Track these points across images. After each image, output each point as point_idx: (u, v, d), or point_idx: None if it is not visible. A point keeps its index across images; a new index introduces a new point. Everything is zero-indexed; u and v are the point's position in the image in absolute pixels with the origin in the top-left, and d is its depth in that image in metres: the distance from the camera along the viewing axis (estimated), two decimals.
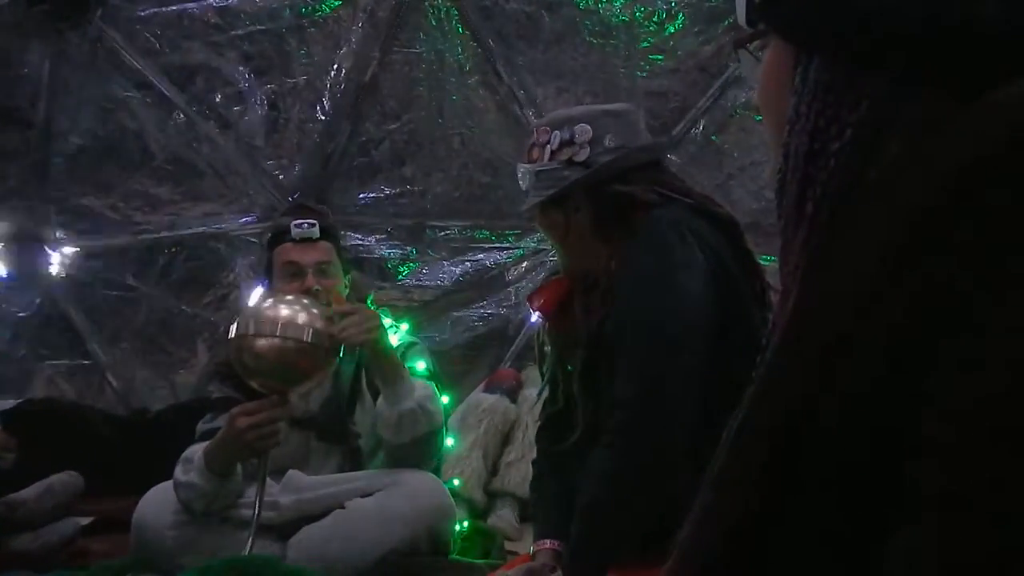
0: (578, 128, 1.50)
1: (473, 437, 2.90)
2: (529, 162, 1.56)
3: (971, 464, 0.48)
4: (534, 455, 2.78)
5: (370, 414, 2.13)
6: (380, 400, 2.02)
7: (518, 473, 2.82)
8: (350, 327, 1.88)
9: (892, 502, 0.51)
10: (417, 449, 2.02)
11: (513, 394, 3.15)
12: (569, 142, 1.50)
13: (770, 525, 0.58)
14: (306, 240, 2.08)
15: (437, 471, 2.16)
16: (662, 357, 1.34)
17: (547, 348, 1.68)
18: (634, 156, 1.53)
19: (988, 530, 0.47)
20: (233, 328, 1.84)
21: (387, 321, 2.17)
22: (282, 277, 2.08)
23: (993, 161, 0.52)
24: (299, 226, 2.08)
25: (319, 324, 1.83)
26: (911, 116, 0.62)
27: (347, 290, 2.16)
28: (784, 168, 0.69)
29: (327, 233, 2.14)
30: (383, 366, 1.99)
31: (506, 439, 3.01)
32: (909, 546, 0.50)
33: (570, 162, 1.50)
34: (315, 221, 2.11)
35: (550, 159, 1.51)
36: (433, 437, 2.04)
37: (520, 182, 1.60)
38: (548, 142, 1.52)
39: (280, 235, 2.14)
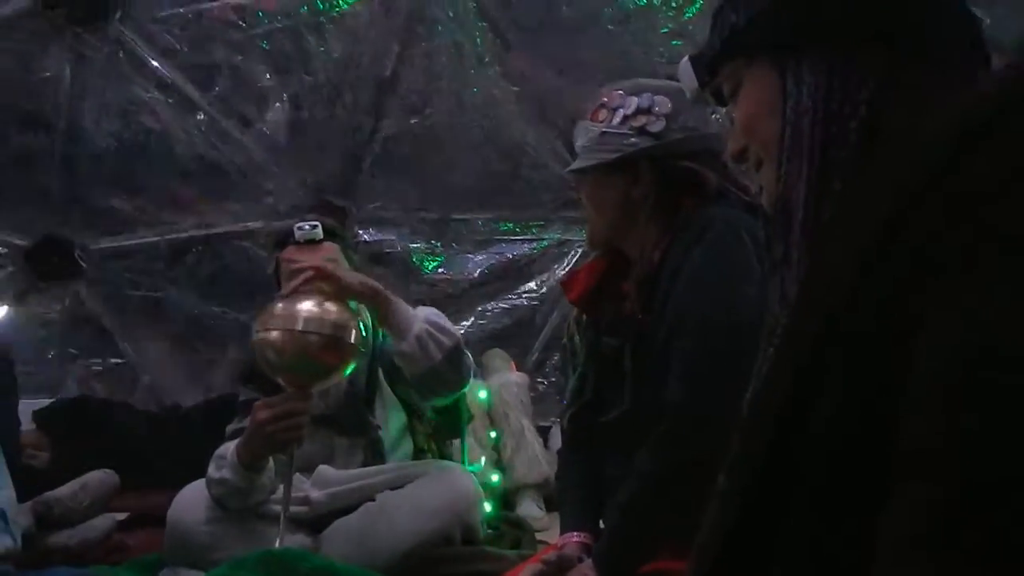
0: (659, 99, 1.47)
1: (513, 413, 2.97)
2: (593, 122, 1.53)
3: (962, 419, 0.48)
4: (528, 441, 2.82)
5: (389, 406, 2.13)
6: (392, 345, 1.95)
7: (522, 463, 2.84)
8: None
9: (890, 466, 0.52)
10: (451, 366, 1.94)
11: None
12: (647, 111, 1.47)
13: (779, 501, 0.60)
14: (310, 241, 2.06)
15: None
16: (715, 366, 1.32)
17: (577, 339, 1.65)
18: (704, 141, 1.51)
19: (985, 485, 0.47)
20: (255, 325, 1.84)
21: None
22: (288, 280, 2.02)
23: (994, 122, 0.54)
24: (301, 228, 2.05)
25: (339, 318, 1.82)
26: (912, 88, 0.67)
27: None
28: (787, 171, 0.72)
29: (332, 233, 2.12)
30: (366, 302, 1.91)
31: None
32: (906, 503, 0.50)
33: (642, 130, 1.47)
34: (318, 222, 2.07)
35: (621, 123, 1.48)
36: (459, 349, 1.97)
37: (575, 140, 1.57)
38: (621, 106, 1.48)
39: (284, 238, 2.12)
